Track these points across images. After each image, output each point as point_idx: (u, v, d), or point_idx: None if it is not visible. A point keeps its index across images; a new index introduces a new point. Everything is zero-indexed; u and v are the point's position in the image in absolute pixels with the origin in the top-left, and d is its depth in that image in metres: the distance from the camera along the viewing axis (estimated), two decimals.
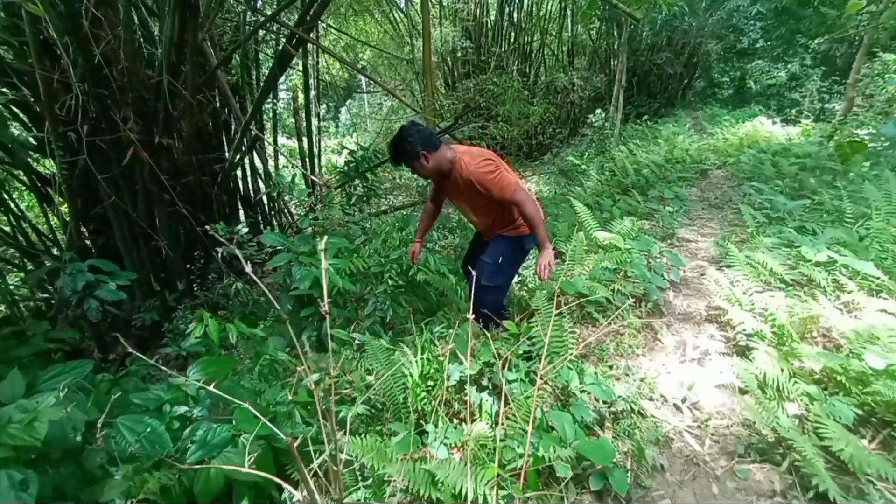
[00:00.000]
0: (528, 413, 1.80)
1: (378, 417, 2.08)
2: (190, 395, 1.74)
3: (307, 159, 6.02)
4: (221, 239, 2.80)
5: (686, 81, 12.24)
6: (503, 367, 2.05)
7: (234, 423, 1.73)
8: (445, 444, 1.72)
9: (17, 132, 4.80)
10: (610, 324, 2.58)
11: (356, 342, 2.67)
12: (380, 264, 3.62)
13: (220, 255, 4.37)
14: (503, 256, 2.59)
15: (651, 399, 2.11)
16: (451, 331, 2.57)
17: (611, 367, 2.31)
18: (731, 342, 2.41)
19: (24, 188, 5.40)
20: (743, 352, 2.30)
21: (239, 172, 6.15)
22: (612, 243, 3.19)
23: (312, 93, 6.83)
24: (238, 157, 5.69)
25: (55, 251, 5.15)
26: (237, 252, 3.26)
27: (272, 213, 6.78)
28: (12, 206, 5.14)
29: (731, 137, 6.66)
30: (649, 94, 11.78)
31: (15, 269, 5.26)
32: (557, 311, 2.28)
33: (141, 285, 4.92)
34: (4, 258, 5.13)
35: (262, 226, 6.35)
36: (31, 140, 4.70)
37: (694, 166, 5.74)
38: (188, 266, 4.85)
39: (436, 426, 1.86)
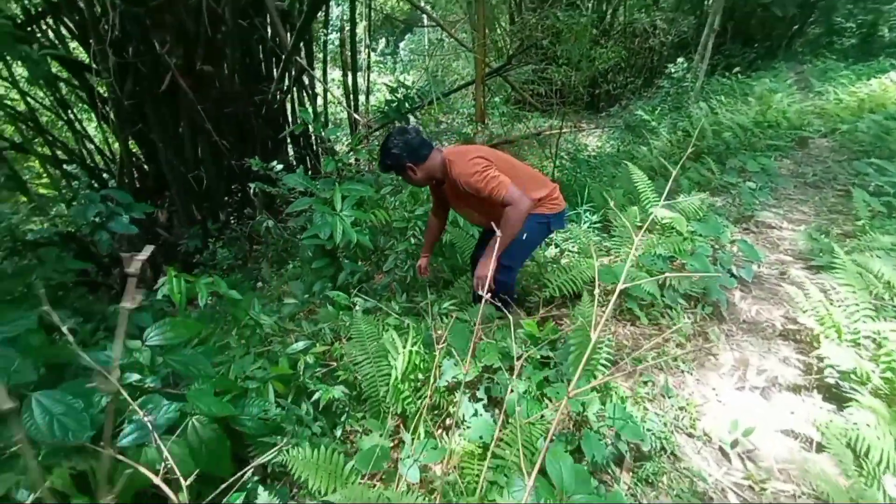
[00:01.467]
0: (531, 443, 1.38)
1: (360, 403, 1.75)
2: (142, 362, 1.48)
3: (351, 95, 5.51)
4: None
5: (797, 27, 10.00)
6: (511, 374, 1.62)
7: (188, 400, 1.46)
8: (419, 464, 1.36)
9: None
10: (661, 329, 2.04)
11: (356, 308, 2.33)
12: (404, 219, 3.20)
13: (252, 190, 4.12)
14: (527, 233, 2.07)
15: (691, 435, 1.61)
16: (452, 317, 2.15)
17: (645, 384, 1.81)
18: (812, 374, 1.80)
19: (87, 109, 5.38)
20: (831, 392, 1.70)
21: (288, 107, 5.80)
22: (673, 224, 2.53)
23: (363, 24, 6.17)
24: (283, 88, 5.30)
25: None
26: (267, 189, 2.85)
27: (319, 150, 6.46)
28: (77, 126, 5.17)
29: (847, 98, 5.24)
30: (746, 41, 9.80)
31: (82, 186, 5.38)
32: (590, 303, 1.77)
33: (186, 212, 4.87)
34: (75, 175, 5.25)
35: (308, 164, 6.07)
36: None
37: (790, 133, 4.61)
38: (226, 199, 4.69)
39: (414, 436, 1.50)
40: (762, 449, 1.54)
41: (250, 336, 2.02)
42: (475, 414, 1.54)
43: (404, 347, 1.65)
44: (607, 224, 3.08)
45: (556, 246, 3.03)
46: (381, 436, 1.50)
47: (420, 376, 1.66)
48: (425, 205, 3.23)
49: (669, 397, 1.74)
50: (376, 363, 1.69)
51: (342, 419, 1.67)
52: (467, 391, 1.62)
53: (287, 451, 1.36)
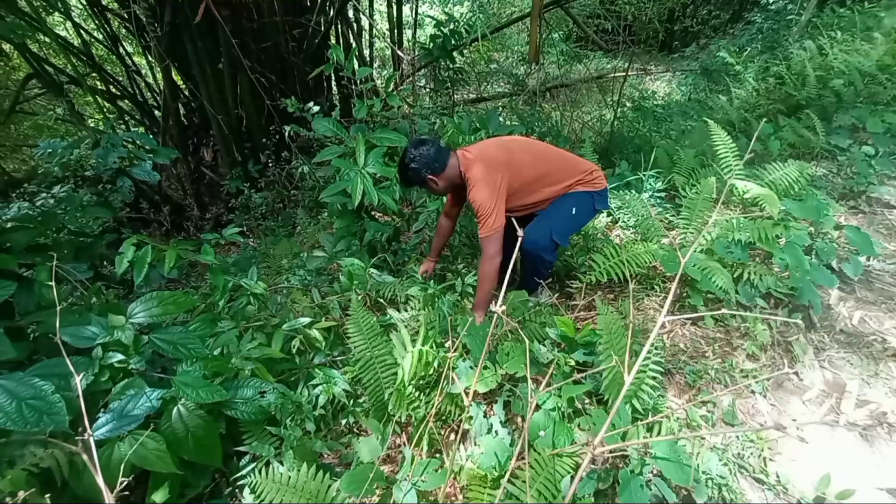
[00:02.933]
0: (554, 482, 1.08)
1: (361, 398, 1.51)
2: (124, 342, 1.29)
3: (395, 30, 4.90)
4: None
5: None
6: (538, 385, 1.29)
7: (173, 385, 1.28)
8: (418, 491, 1.11)
9: None
10: (730, 334, 1.61)
11: (371, 276, 2.05)
12: None
13: (287, 132, 3.83)
14: (577, 207, 1.76)
15: (760, 482, 1.25)
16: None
17: (703, 405, 1.43)
18: None
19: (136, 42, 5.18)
20: None
21: (333, 42, 5.29)
22: (760, 201, 1.97)
23: None
24: (324, 21, 4.79)
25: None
26: (301, 132, 2.51)
27: (364, 91, 5.98)
28: (128, 61, 5.01)
29: None
30: None
31: (135, 123, 5.34)
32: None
33: (227, 153, 4.70)
34: (128, 111, 5.19)
35: (352, 105, 5.65)
36: None
37: None
38: (264, 140, 4.45)
39: (417, 448, 1.25)
40: None
41: (243, 307, 1.77)
42: (489, 431, 1.26)
43: (414, 344, 1.36)
44: (674, 193, 2.52)
45: (609, 214, 2.55)
46: (379, 440, 1.26)
47: (431, 374, 1.38)
48: None
49: (734, 425, 1.36)
50: (381, 360, 1.41)
51: (343, 413, 1.45)
52: (482, 404, 1.33)
53: (259, 471, 1.15)
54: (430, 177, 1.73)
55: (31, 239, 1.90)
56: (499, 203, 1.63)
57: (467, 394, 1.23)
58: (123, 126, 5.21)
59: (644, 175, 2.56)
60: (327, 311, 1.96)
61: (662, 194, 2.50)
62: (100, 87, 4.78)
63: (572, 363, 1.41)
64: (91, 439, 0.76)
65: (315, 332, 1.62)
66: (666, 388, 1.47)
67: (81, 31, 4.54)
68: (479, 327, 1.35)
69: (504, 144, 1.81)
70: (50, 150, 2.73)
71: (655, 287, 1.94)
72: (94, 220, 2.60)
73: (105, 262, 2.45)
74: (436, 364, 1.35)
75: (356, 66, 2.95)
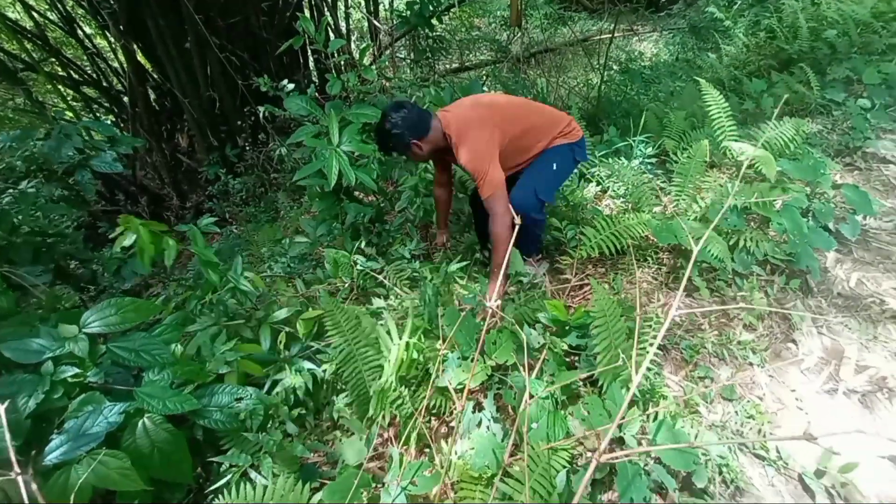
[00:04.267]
0: (549, 477, 1.01)
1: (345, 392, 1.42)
2: (77, 354, 1.16)
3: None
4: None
5: None
6: (529, 372, 1.21)
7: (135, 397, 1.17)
8: (407, 494, 1.04)
9: None
10: (726, 303, 1.52)
11: (356, 264, 1.93)
12: None
13: (262, 113, 3.61)
14: (557, 163, 1.69)
15: (761, 458, 1.18)
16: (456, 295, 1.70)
17: (701, 379, 1.36)
18: None
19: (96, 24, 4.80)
20: None
21: (309, 14, 4.94)
22: (755, 162, 1.85)
23: None
24: None
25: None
26: (277, 112, 2.32)
27: (342, 66, 5.66)
28: (88, 43, 4.65)
29: None
30: None
31: (103, 111, 5.03)
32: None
33: (202, 137, 4.45)
34: (94, 99, 4.87)
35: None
36: None
37: None
38: (239, 123, 4.20)
39: (405, 446, 1.17)
40: (860, 481, 1.11)
41: (225, 301, 1.65)
42: (479, 425, 1.18)
43: (400, 335, 1.26)
44: (665, 159, 2.39)
45: (598, 183, 2.42)
46: (364, 440, 1.18)
47: (418, 368, 1.28)
48: None
49: (732, 400, 1.30)
50: (363, 355, 1.31)
51: (327, 409, 1.36)
52: (472, 399, 1.24)
53: (236, 483, 1.06)
54: (413, 141, 1.60)
55: None
56: (493, 158, 1.53)
57: (459, 391, 1.14)
58: (90, 114, 4.90)
59: (633, 140, 2.42)
60: (313, 300, 1.84)
61: (653, 160, 2.37)
62: (60, 73, 4.46)
63: (565, 347, 1.32)
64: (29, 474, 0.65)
65: (300, 325, 1.51)
66: (662, 366, 1.40)
67: (33, 14, 4.19)
68: (468, 319, 1.25)
69: (485, 101, 1.70)
70: (10, 144, 2.52)
71: (648, 259, 1.84)
72: (62, 217, 2.43)
73: (72, 262, 2.30)
74: (423, 358, 1.26)
75: (329, 39, 2.73)
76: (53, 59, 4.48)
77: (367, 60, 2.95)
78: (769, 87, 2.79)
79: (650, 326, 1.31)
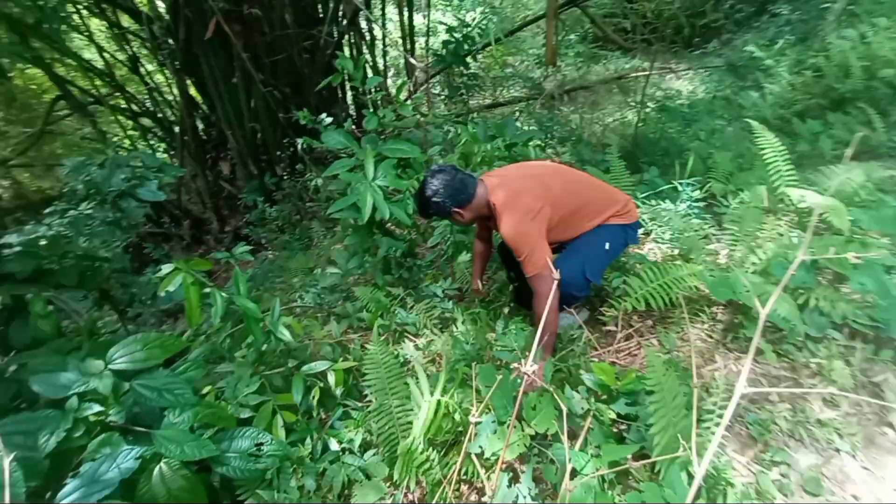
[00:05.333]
0: None
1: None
2: (101, 391, 1.10)
3: (407, 38, 4.71)
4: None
5: None
6: (573, 442, 1.05)
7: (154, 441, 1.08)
8: None
9: None
10: (796, 370, 1.32)
11: (396, 312, 1.83)
12: None
13: (300, 145, 3.68)
14: (610, 242, 1.53)
15: None
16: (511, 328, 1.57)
17: (774, 464, 1.16)
18: None
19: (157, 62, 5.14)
20: None
21: (347, 52, 5.13)
22: (822, 211, 1.67)
23: None
24: (336, 32, 4.63)
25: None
26: (314, 144, 2.29)
27: (379, 101, 5.81)
28: (148, 79, 4.97)
29: None
30: None
31: (157, 139, 5.30)
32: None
33: (243, 166, 4.59)
34: (150, 129, 5.15)
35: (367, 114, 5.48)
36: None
37: None
38: (279, 153, 4.31)
39: None
40: None
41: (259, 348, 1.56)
42: (516, 501, 1.02)
43: (432, 390, 1.13)
44: (712, 202, 2.22)
45: (641, 226, 2.26)
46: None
47: (447, 433, 1.15)
48: (477, 169, 2.58)
49: (818, 496, 1.08)
50: (399, 406, 1.19)
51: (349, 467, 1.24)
52: (507, 470, 1.09)
53: None
54: (455, 210, 1.49)
55: (35, 266, 1.76)
56: (540, 237, 1.40)
57: (491, 463, 1.00)
58: (146, 143, 5.18)
59: (680, 183, 2.26)
60: (346, 348, 1.73)
61: (700, 204, 2.20)
62: (122, 106, 4.76)
63: (612, 415, 1.15)
64: None
65: (332, 379, 1.40)
66: (725, 444, 1.21)
67: (104, 54, 4.53)
68: (506, 384, 1.11)
69: (534, 173, 1.57)
70: (74, 169, 2.63)
71: (701, 314, 1.66)
72: (107, 241, 2.48)
73: (115, 284, 2.31)
74: (456, 416, 1.12)
75: (367, 76, 2.75)
76: (118, 94, 4.80)
77: (402, 96, 2.97)
78: (826, 127, 2.59)
79: (707, 391, 1.13)
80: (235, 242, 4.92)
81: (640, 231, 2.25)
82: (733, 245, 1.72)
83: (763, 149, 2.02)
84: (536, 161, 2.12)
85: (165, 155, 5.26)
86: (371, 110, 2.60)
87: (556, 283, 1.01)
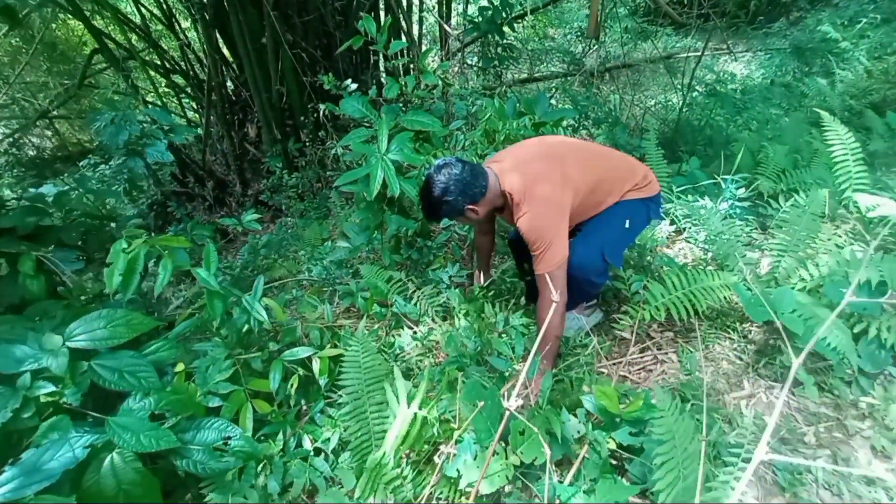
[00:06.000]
0: None
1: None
2: (53, 370, 1.01)
3: (444, 4, 4.37)
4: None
5: None
6: (564, 473, 0.90)
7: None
8: None
9: None
10: (841, 410, 1.11)
11: (392, 304, 1.69)
12: None
13: (322, 111, 3.52)
14: (630, 219, 1.35)
15: None
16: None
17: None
18: None
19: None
20: None
21: (382, 17, 4.84)
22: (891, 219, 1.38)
23: None
24: None
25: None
26: (336, 111, 2.11)
27: (411, 68, 5.52)
28: (182, 36, 4.88)
29: None
30: None
31: (188, 98, 5.26)
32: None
33: (268, 129, 4.50)
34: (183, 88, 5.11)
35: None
36: None
37: None
38: (303, 118, 4.18)
39: None
40: None
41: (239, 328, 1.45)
42: None
43: (410, 400, 1.00)
44: (759, 203, 1.93)
45: (673, 222, 2.01)
46: None
47: (426, 448, 1.02)
48: (500, 148, 2.37)
49: None
50: (376, 411, 1.07)
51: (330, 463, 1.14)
52: (489, 502, 0.95)
53: None
54: (469, 206, 1.29)
55: (35, 222, 1.72)
56: (561, 230, 1.22)
57: (469, 493, 0.86)
58: (176, 102, 5.16)
59: (723, 178, 1.98)
60: (336, 334, 1.62)
61: (744, 203, 1.92)
62: (156, 62, 4.71)
63: (612, 445, 0.99)
64: None
65: (316, 367, 1.29)
66: (745, 489, 1.03)
67: (141, 7, 4.45)
68: (490, 402, 0.96)
69: (547, 152, 1.35)
70: (92, 122, 2.59)
71: (729, 329, 1.44)
72: (134, 199, 2.42)
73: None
74: (435, 432, 0.99)
75: (391, 39, 2.55)
76: (152, 50, 4.74)
77: (429, 64, 2.74)
78: None
79: (730, 423, 0.95)
80: (256, 206, 4.88)
81: (672, 228, 2.01)
82: (780, 255, 1.47)
83: (830, 144, 1.71)
84: (538, 137, 1.87)
85: (196, 114, 5.23)
86: (390, 78, 2.40)
87: (554, 304, 0.83)
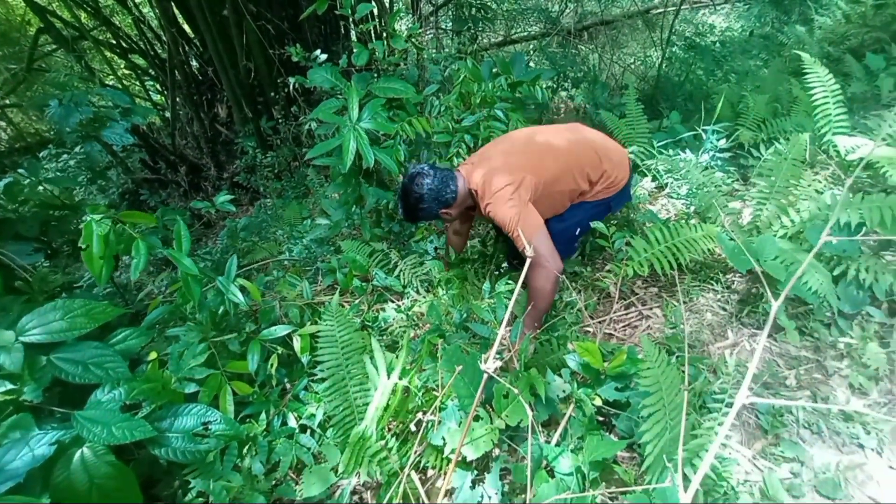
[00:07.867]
0: None
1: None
2: (8, 367, 0.94)
3: None
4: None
5: None
6: (550, 432, 0.88)
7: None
8: None
9: None
10: (820, 352, 1.11)
11: (373, 278, 1.63)
12: (448, 131, 2.27)
13: (292, 85, 3.33)
14: (581, 227, 1.42)
15: None
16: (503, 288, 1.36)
17: (785, 460, 0.98)
18: None
19: None
20: None
21: None
22: (876, 163, 1.35)
23: None
24: None
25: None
26: (306, 84, 1.96)
27: (384, 34, 5.24)
28: (136, 11, 4.53)
29: None
30: None
31: (151, 79, 4.95)
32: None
33: (238, 108, 4.27)
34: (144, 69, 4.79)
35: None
36: None
37: None
38: (273, 94, 3.97)
39: None
40: None
41: (213, 310, 1.38)
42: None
43: (390, 371, 0.96)
44: (738, 153, 1.89)
45: (655, 178, 1.97)
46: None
47: (409, 416, 0.99)
48: (477, 112, 2.27)
49: (834, 499, 0.91)
50: (356, 384, 1.03)
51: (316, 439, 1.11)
52: (472, 469, 0.93)
53: None
54: (442, 211, 1.40)
55: None
56: (525, 203, 1.26)
57: (449, 459, 0.84)
58: (139, 84, 4.85)
59: (703, 130, 1.93)
60: (316, 311, 1.56)
61: (725, 154, 1.88)
62: (110, 41, 4.38)
63: (598, 402, 0.97)
64: None
65: (297, 345, 1.24)
66: (730, 435, 1.03)
67: None
68: (471, 366, 0.92)
69: (510, 149, 1.41)
70: (55, 108, 2.39)
71: (712, 279, 1.43)
72: (104, 188, 2.27)
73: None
74: (418, 401, 0.96)
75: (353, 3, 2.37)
76: (104, 28, 4.39)
77: (398, 27, 2.58)
78: (888, 64, 2.16)
79: (715, 373, 0.94)
80: (233, 189, 4.69)
81: (653, 185, 1.96)
82: (761, 204, 1.44)
83: (810, 88, 1.66)
84: (507, 133, 1.85)
85: (161, 97, 4.94)
86: (358, 44, 2.25)
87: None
